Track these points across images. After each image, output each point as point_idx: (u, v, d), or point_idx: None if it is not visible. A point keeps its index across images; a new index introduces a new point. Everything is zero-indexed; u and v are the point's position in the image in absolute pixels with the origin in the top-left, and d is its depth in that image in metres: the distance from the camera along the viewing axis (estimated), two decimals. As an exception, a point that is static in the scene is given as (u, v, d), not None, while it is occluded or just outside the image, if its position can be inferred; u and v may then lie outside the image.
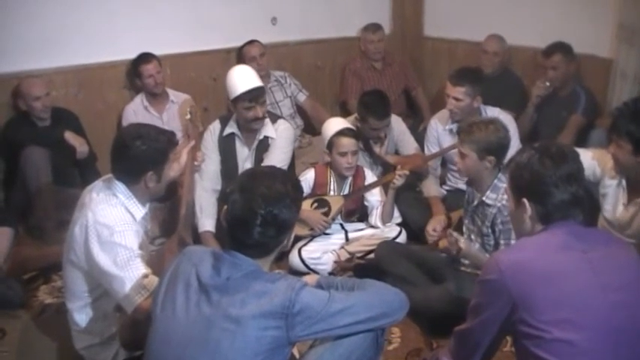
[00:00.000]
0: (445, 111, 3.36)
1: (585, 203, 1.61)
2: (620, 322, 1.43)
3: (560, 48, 3.56)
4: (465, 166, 2.46)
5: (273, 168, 1.83)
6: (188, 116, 3.07)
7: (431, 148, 3.40)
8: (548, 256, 1.51)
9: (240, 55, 4.13)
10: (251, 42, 4.10)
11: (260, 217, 1.56)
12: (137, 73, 3.74)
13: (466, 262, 2.57)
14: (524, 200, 1.61)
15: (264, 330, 1.50)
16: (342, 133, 3.03)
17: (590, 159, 2.50)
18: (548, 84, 3.60)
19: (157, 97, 3.80)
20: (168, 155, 2.13)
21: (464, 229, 2.64)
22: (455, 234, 2.40)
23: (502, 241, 2.38)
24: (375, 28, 4.48)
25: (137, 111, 3.76)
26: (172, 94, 3.87)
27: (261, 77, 3.94)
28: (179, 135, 3.25)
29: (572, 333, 1.41)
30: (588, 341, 1.41)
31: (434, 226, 2.98)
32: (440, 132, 3.37)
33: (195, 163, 2.87)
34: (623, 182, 2.43)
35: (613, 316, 1.43)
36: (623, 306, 1.44)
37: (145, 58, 3.71)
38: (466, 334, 1.62)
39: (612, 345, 1.42)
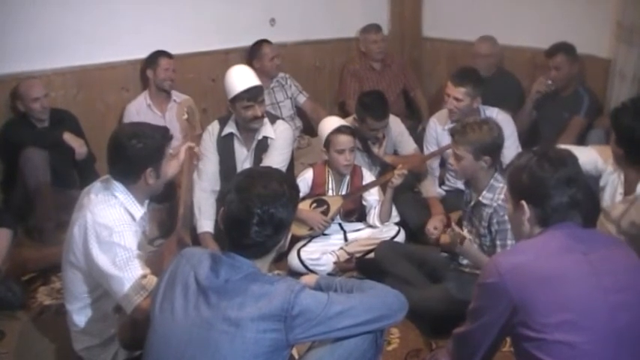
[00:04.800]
0: (444, 111, 3.36)
1: (584, 206, 1.61)
2: (621, 324, 1.43)
3: (563, 48, 3.56)
4: (461, 167, 2.47)
5: (269, 168, 1.83)
6: (185, 116, 3.08)
7: (430, 148, 3.41)
8: (548, 258, 1.51)
9: (253, 53, 4.12)
10: (267, 41, 4.10)
11: (257, 216, 1.56)
12: (154, 64, 3.75)
13: (465, 261, 2.58)
14: (523, 203, 1.61)
15: (263, 332, 1.50)
16: (338, 130, 3.04)
17: (592, 152, 2.56)
18: (550, 82, 3.60)
19: (160, 95, 3.81)
20: (165, 151, 2.13)
21: (460, 226, 2.64)
22: (456, 227, 2.40)
23: (498, 242, 2.38)
24: (376, 28, 4.48)
25: (140, 110, 3.76)
26: (175, 94, 3.89)
27: (271, 78, 3.99)
28: (178, 135, 3.27)
29: (573, 335, 1.41)
30: (589, 343, 1.41)
31: (434, 225, 2.98)
32: (439, 132, 3.38)
33: (195, 162, 2.88)
34: (622, 176, 2.47)
35: (614, 318, 1.43)
36: (624, 307, 1.44)
37: (167, 52, 3.77)
38: (465, 337, 1.62)
39: (613, 346, 1.42)
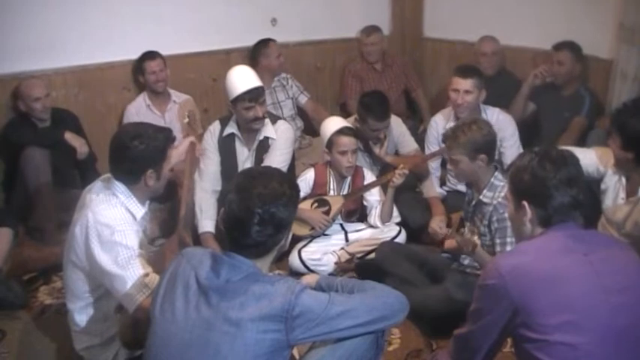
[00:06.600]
0: (446, 111, 3.38)
1: (585, 207, 1.61)
2: (621, 325, 1.43)
3: (570, 46, 3.60)
4: (460, 171, 2.49)
5: (269, 167, 1.83)
6: (186, 119, 3.09)
7: (431, 148, 3.41)
8: (549, 259, 1.51)
9: (259, 50, 4.11)
10: (272, 40, 4.12)
11: (257, 216, 1.56)
12: (141, 70, 3.76)
13: (466, 261, 2.58)
14: (525, 203, 1.61)
15: (263, 333, 1.50)
16: (341, 132, 3.04)
17: (594, 156, 2.57)
18: (545, 74, 3.64)
19: (159, 96, 3.82)
20: (167, 152, 2.13)
21: (466, 230, 2.64)
22: (466, 234, 2.40)
23: (498, 240, 2.38)
24: (369, 30, 4.48)
25: (139, 110, 3.76)
26: (175, 94, 3.89)
27: (275, 76, 4.05)
28: (179, 136, 3.27)
29: (575, 336, 1.41)
30: (590, 344, 1.41)
31: (438, 224, 2.98)
32: (440, 131, 3.36)
33: (198, 155, 2.90)
34: (623, 179, 2.47)
35: (615, 319, 1.43)
36: (625, 308, 1.44)
37: (149, 55, 3.75)
38: (466, 338, 1.62)
39: (614, 347, 1.42)
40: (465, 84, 3.15)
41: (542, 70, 3.66)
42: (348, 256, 3.05)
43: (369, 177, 3.19)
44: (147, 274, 1.97)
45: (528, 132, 3.61)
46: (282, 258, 2.97)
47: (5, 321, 2.68)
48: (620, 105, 2.56)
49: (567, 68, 3.59)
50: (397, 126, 3.46)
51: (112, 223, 1.99)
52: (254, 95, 2.96)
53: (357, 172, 3.18)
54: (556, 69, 3.61)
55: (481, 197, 2.45)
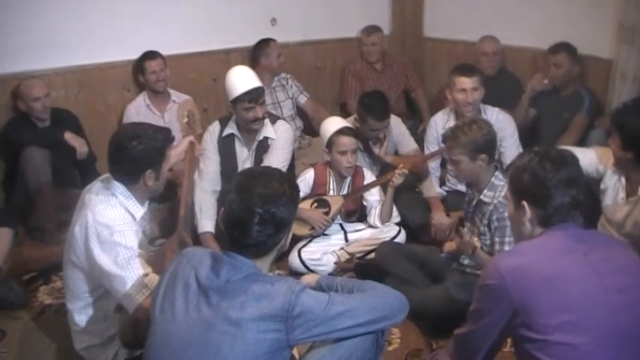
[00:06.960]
0: (446, 110, 3.38)
1: (585, 207, 1.60)
2: (622, 324, 1.43)
3: (566, 48, 3.60)
4: (460, 171, 2.49)
5: (269, 167, 1.83)
6: (185, 119, 3.09)
7: (431, 148, 3.40)
8: (549, 259, 1.51)
9: (259, 50, 4.12)
10: (273, 39, 4.13)
11: (258, 215, 1.56)
12: (141, 69, 3.77)
13: (466, 261, 2.58)
14: (524, 203, 1.61)
15: (263, 333, 1.50)
16: (341, 131, 3.04)
17: (594, 155, 2.57)
18: (546, 81, 3.63)
19: (158, 96, 3.82)
20: (166, 152, 2.13)
21: (465, 230, 2.64)
22: (466, 236, 2.40)
23: (497, 239, 2.38)
24: (369, 31, 4.49)
25: (139, 110, 3.77)
26: (174, 94, 3.89)
27: (275, 76, 4.06)
28: (179, 136, 3.27)
29: (575, 336, 1.41)
30: (590, 344, 1.41)
31: (440, 219, 3.00)
32: (440, 131, 3.36)
33: (198, 155, 2.90)
34: (623, 179, 2.47)
35: (615, 319, 1.43)
36: (625, 308, 1.44)
37: (150, 54, 3.75)
38: (466, 338, 1.62)
39: (614, 347, 1.42)
40: (470, 82, 3.15)
41: (540, 80, 3.65)
42: (347, 256, 3.05)
43: (369, 177, 3.19)
44: (146, 274, 1.97)
45: (530, 135, 3.62)
46: (282, 258, 2.98)
47: (5, 321, 2.68)
48: (620, 105, 2.56)
49: (564, 70, 3.59)
50: (397, 126, 3.46)
51: (111, 223, 1.99)
52: (254, 96, 2.96)
53: (357, 172, 3.18)
54: (553, 72, 3.61)
55: (481, 197, 2.45)
